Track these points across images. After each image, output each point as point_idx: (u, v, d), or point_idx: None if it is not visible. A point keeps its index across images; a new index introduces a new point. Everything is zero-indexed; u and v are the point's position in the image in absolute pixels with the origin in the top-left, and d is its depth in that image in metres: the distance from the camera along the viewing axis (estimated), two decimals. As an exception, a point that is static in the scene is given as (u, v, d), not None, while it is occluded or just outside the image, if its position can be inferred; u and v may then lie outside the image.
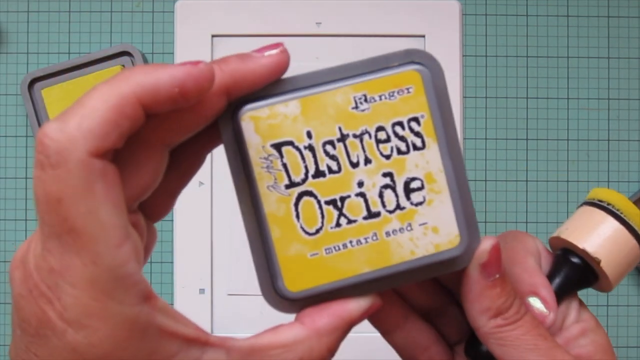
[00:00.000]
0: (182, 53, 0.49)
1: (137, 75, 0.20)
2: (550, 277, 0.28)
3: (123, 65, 0.47)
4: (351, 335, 0.51)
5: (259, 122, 0.24)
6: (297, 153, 0.24)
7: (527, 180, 0.49)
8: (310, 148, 0.24)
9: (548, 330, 0.26)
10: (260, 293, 0.26)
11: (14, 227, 0.49)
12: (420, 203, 0.24)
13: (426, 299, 0.28)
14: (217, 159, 0.49)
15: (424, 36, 0.49)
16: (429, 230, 0.24)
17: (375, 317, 0.27)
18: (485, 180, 0.49)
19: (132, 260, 0.20)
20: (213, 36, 0.49)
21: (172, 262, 0.49)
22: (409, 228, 0.24)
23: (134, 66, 0.29)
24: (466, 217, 0.25)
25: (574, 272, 0.28)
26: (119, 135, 0.19)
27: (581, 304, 0.28)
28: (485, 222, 0.49)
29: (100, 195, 0.19)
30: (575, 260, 0.28)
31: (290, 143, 0.24)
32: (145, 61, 0.48)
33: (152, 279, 0.49)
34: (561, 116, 0.50)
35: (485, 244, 0.24)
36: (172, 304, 0.49)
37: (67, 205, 0.19)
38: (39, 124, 0.48)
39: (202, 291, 0.48)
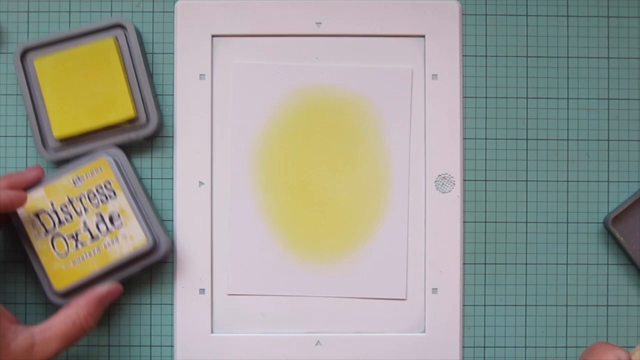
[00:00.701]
0: (182, 53, 0.49)
1: None
2: None
3: (116, 38, 0.47)
4: (351, 335, 0.51)
5: (26, 206, 0.45)
6: (47, 215, 0.45)
7: (527, 180, 0.49)
8: (54, 211, 0.45)
9: None
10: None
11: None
12: (120, 226, 0.45)
13: None
14: (218, 159, 0.49)
15: (423, 36, 0.49)
16: (127, 239, 0.45)
17: None
18: (485, 180, 0.49)
19: None
20: (213, 36, 0.49)
21: (172, 262, 0.49)
22: (116, 241, 0.45)
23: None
24: (149, 227, 0.46)
25: None
26: None
27: None
28: (485, 222, 0.49)
29: None
30: None
31: (43, 210, 0.45)
32: (139, 35, 0.48)
33: (152, 279, 0.49)
34: (561, 116, 0.50)
35: None
36: (172, 304, 0.49)
37: None
38: (31, 95, 0.47)
39: (202, 291, 0.49)
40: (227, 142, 0.49)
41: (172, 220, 0.49)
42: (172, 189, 0.49)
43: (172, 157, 0.49)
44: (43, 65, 0.47)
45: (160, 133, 0.49)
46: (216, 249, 0.49)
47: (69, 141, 0.47)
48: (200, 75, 0.49)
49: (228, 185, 0.49)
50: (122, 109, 0.47)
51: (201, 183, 0.48)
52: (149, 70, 0.48)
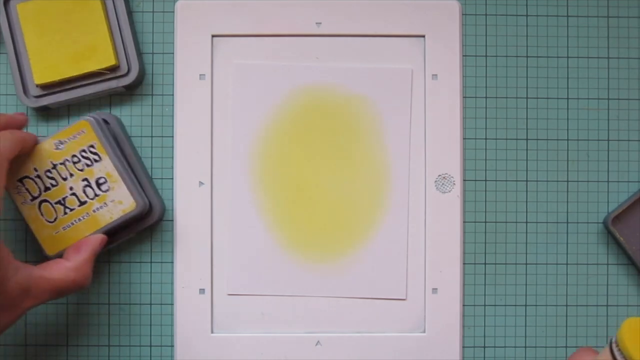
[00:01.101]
0: (182, 53, 0.49)
1: None
2: None
3: None
4: (351, 335, 0.51)
5: (9, 173, 0.43)
6: (32, 181, 0.44)
7: (527, 180, 0.49)
8: (38, 176, 0.44)
9: None
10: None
11: (14, 227, 0.49)
12: (107, 190, 0.44)
13: None
14: (218, 159, 0.49)
15: (423, 36, 0.49)
16: (116, 204, 0.44)
17: None
18: (485, 180, 0.49)
19: None
20: (213, 36, 0.49)
21: (172, 262, 0.49)
22: (105, 205, 0.44)
23: None
24: (138, 191, 0.45)
25: None
26: None
27: None
28: (485, 222, 0.49)
29: None
30: None
31: (27, 176, 0.44)
32: None
33: (152, 279, 0.49)
34: (561, 116, 0.50)
35: None
36: (172, 304, 0.49)
37: None
38: (13, 41, 0.47)
39: (202, 291, 0.49)
40: (227, 142, 0.49)
41: (172, 220, 0.49)
42: (172, 189, 0.49)
43: (172, 157, 0.49)
44: (26, 10, 0.47)
45: (141, 83, 0.49)
46: (216, 249, 0.49)
47: (49, 88, 0.47)
48: (200, 75, 0.49)
49: (228, 185, 0.49)
50: (103, 57, 0.47)
51: (201, 183, 0.48)
52: (131, 19, 0.48)
